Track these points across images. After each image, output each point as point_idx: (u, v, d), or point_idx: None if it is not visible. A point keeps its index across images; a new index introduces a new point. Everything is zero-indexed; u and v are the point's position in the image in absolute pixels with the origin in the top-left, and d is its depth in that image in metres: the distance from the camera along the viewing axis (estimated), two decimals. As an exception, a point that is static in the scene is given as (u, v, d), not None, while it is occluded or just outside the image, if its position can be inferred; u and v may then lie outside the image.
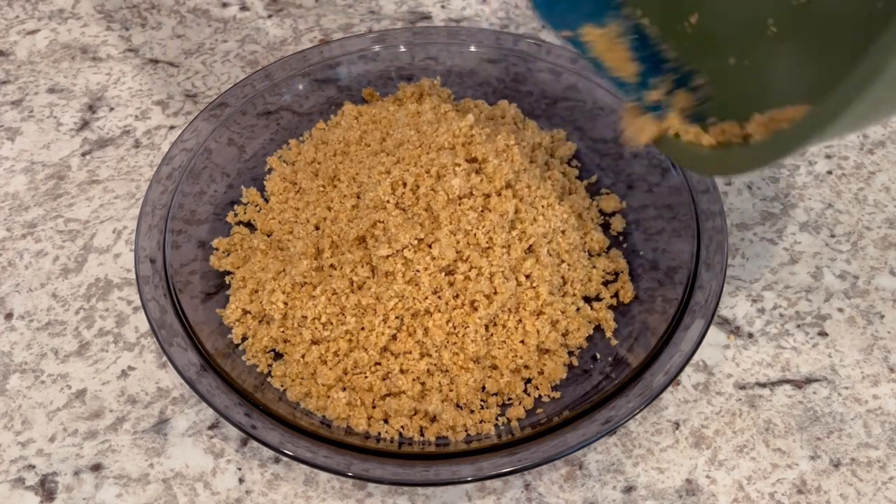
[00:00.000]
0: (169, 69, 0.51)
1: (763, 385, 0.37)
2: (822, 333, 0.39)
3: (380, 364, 0.35)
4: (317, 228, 0.39)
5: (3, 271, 0.41)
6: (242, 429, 0.32)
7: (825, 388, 0.37)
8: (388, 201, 0.36)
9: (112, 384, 0.37)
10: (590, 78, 0.44)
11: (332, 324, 0.36)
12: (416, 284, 0.35)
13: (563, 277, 0.38)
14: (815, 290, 0.41)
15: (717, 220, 0.38)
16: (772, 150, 0.26)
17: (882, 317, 0.40)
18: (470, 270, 0.35)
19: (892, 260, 0.42)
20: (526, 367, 0.36)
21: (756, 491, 0.34)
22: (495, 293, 0.35)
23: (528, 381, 0.36)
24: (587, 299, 0.39)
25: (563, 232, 0.38)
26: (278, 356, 0.37)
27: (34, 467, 0.35)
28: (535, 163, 0.41)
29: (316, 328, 0.36)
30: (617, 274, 0.40)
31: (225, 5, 0.55)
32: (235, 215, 0.42)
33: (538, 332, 0.36)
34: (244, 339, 0.37)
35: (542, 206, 0.38)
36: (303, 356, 0.36)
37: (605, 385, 0.35)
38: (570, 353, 0.37)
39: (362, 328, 0.35)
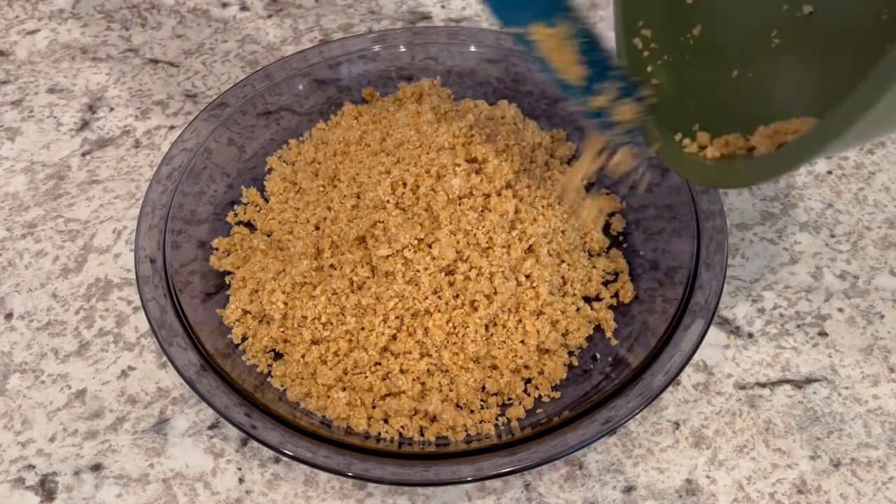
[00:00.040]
0: (169, 69, 0.51)
1: (763, 385, 0.37)
2: (822, 333, 0.39)
3: (380, 364, 0.35)
4: (317, 228, 0.39)
5: (3, 271, 0.41)
6: (242, 429, 0.32)
7: (825, 388, 0.37)
8: (388, 201, 0.36)
9: (112, 384, 0.37)
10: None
11: (332, 324, 0.36)
12: (416, 284, 0.35)
13: (563, 277, 0.38)
14: (815, 290, 0.41)
15: (717, 220, 0.38)
16: (777, 164, 0.26)
17: (882, 317, 0.40)
18: (470, 270, 0.35)
19: (892, 260, 0.42)
20: (526, 367, 0.36)
21: (756, 491, 0.34)
22: (495, 293, 0.35)
23: (528, 381, 0.36)
24: (587, 299, 0.39)
25: (563, 232, 0.38)
26: (278, 356, 0.37)
27: (34, 467, 0.35)
28: (535, 163, 0.41)
29: (316, 328, 0.36)
30: (617, 274, 0.40)
31: (225, 5, 0.55)
32: (235, 215, 0.42)
33: (538, 332, 0.36)
34: (244, 339, 0.37)
35: (542, 206, 0.38)
36: (303, 356, 0.36)
37: (605, 385, 0.35)
38: (570, 353, 0.37)
39: (362, 328, 0.35)
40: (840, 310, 0.40)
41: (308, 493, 0.34)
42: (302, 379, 0.35)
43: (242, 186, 0.42)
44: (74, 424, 0.36)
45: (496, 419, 0.35)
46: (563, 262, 0.38)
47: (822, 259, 0.42)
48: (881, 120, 0.22)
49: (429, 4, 0.55)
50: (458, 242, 0.35)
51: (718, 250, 0.37)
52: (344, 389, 0.35)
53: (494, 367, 0.36)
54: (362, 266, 0.36)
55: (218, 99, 0.43)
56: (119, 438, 0.36)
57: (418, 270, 0.35)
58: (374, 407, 0.35)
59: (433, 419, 0.35)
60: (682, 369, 0.33)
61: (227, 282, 0.39)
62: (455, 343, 0.35)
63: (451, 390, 0.35)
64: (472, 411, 0.35)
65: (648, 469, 0.35)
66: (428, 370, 0.35)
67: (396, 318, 0.35)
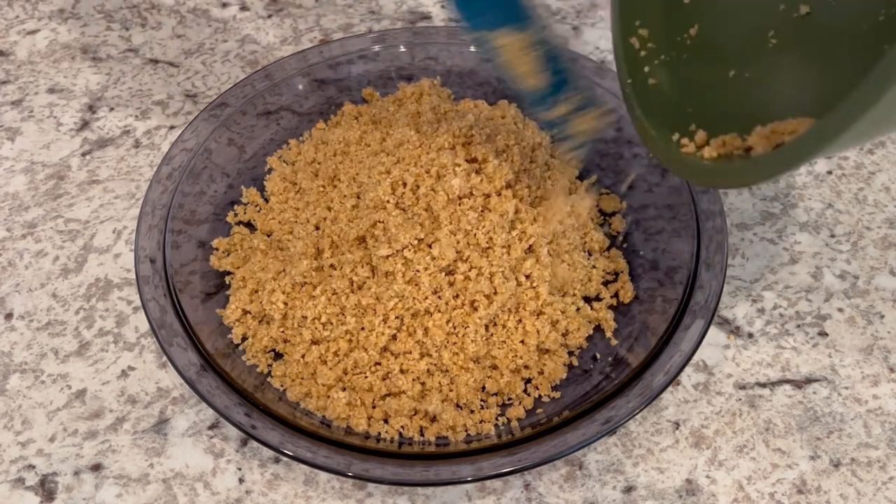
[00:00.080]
0: (169, 69, 0.51)
1: (763, 385, 0.37)
2: (822, 333, 0.39)
3: (380, 364, 0.35)
4: (317, 228, 0.39)
5: (3, 271, 0.41)
6: (242, 429, 0.32)
7: (825, 388, 0.37)
8: (388, 201, 0.36)
9: (112, 384, 0.37)
10: (590, 78, 0.44)
11: (332, 324, 0.36)
12: (416, 284, 0.35)
13: (563, 277, 0.38)
14: (815, 290, 0.41)
15: (717, 220, 0.38)
16: (775, 164, 0.26)
17: (882, 317, 0.40)
18: (470, 270, 0.35)
19: (892, 260, 0.42)
20: (526, 367, 0.36)
21: (756, 491, 0.34)
22: (495, 293, 0.35)
23: (528, 381, 0.36)
24: (587, 299, 0.39)
25: (563, 232, 0.38)
26: (278, 356, 0.37)
27: (34, 467, 0.35)
28: (535, 163, 0.41)
29: (316, 328, 0.36)
30: (617, 274, 0.40)
31: (225, 5, 0.55)
32: (235, 215, 0.42)
33: (538, 332, 0.36)
34: (244, 339, 0.37)
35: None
36: (303, 356, 0.36)
37: (605, 385, 0.35)
38: (570, 353, 0.37)
39: (362, 328, 0.35)
40: (840, 310, 0.40)
41: (308, 493, 0.34)
42: (302, 379, 0.35)
43: (242, 186, 0.42)
44: (74, 424, 0.36)
45: (496, 419, 0.35)
46: (563, 262, 0.38)
47: (822, 259, 0.42)
48: (880, 120, 0.22)
49: (429, 4, 0.55)
50: (458, 242, 0.35)
51: (718, 250, 0.37)
52: (344, 389, 0.35)
53: (494, 367, 0.36)
54: (362, 266, 0.36)
55: (218, 99, 0.43)
56: (119, 438, 0.36)
57: (418, 270, 0.35)
58: (374, 407, 0.35)
59: (433, 419, 0.35)
60: (682, 369, 0.33)
61: (227, 282, 0.39)
62: (455, 343, 0.35)
63: (451, 390, 0.35)
64: (472, 411, 0.35)
65: (648, 469, 0.35)
66: (428, 370, 0.35)
67: (396, 318, 0.35)
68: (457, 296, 0.35)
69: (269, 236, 0.41)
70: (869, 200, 0.44)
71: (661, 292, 0.38)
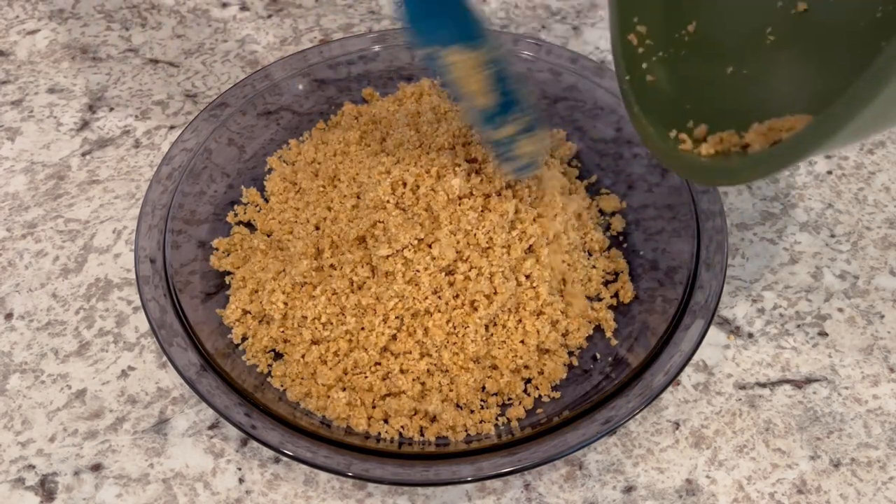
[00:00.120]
0: (169, 69, 0.51)
1: (763, 385, 0.37)
2: (822, 333, 0.39)
3: (380, 364, 0.35)
4: (317, 228, 0.39)
5: (3, 271, 0.41)
6: (242, 429, 0.32)
7: (825, 388, 0.37)
8: (388, 201, 0.36)
9: (112, 384, 0.37)
10: (590, 78, 0.44)
11: (332, 324, 0.36)
12: (416, 284, 0.35)
13: (563, 279, 0.38)
14: (815, 290, 0.41)
15: (717, 220, 0.38)
16: (772, 161, 0.26)
17: (882, 317, 0.40)
18: (470, 270, 0.35)
19: (892, 260, 0.42)
20: (526, 367, 0.36)
21: (756, 491, 0.34)
22: (495, 293, 0.35)
23: (528, 381, 0.36)
24: (587, 299, 0.39)
25: (563, 232, 0.38)
26: (278, 356, 0.37)
27: (34, 467, 0.35)
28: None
29: (316, 328, 0.36)
30: (617, 274, 0.40)
31: (225, 5, 0.55)
32: (235, 215, 0.42)
33: (538, 332, 0.36)
34: (244, 339, 0.37)
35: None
36: (303, 356, 0.36)
37: (605, 385, 0.35)
38: (570, 353, 0.37)
39: (362, 328, 0.35)
40: (840, 310, 0.40)
41: (308, 493, 0.34)
42: (302, 379, 0.35)
43: (242, 186, 0.42)
44: (74, 424, 0.36)
45: (496, 419, 0.35)
46: (563, 262, 0.38)
47: (822, 259, 0.42)
48: (877, 117, 0.22)
49: (429, 4, 0.55)
50: (458, 242, 0.35)
51: (718, 250, 0.37)
52: (344, 389, 0.35)
53: (494, 367, 0.36)
54: (362, 266, 0.36)
55: (218, 99, 0.43)
56: (119, 438, 0.36)
57: (418, 270, 0.35)
58: (374, 407, 0.35)
59: (433, 419, 0.35)
60: (682, 369, 0.33)
61: (227, 282, 0.39)
62: (455, 343, 0.35)
63: (451, 390, 0.35)
64: (472, 411, 0.35)
65: (648, 469, 0.35)
66: (428, 370, 0.35)
67: (396, 318, 0.35)
68: (457, 296, 0.35)
69: (269, 236, 0.41)
70: (869, 200, 0.44)
71: (661, 292, 0.38)
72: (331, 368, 0.35)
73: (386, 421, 0.35)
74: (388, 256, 0.35)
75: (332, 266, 0.37)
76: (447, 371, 0.35)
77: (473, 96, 0.33)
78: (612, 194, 0.43)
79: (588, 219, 0.41)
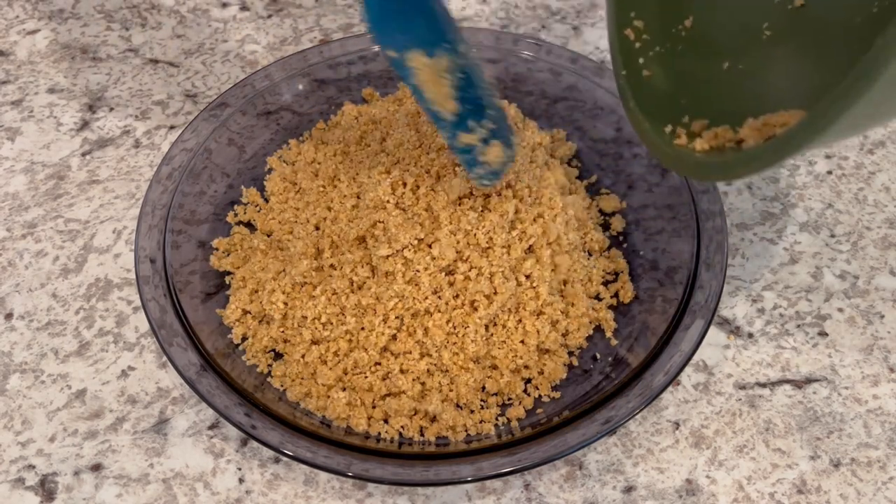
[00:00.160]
0: (169, 69, 0.51)
1: (763, 385, 0.37)
2: (822, 333, 0.39)
3: (380, 364, 0.35)
4: (317, 228, 0.39)
5: (3, 271, 0.41)
6: (242, 429, 0.32)
7: (825, 388, 0.37)
8: (388, 201, 0.36)
9: (112, 384, 0.37)
10: (590, 78, 0.45)
11: (332, 324, 0.36)
12: (416, 284, 0.35)
13: (563, 280, 0.38)
14: (815, 290, 0.41)
15: (717, 220, 0.38)
16: (766, 156, 0.26)
17: (882, 317, 0.40)
18: (470, 270, 0.35)
19: (892, 260, 0.42)
20: (526, 367, 0.36)
21: (756, 491, 0.34)
22: (495, 293, 0.35)
23: (528, 381, 0.36)
24: (588, 299, 0.39)
25: (563, 233, 0.38)
26: (278, 356, 0.37)
27: (34, 467, 0.35)
28: (535, 163, 0.41)
29: (316, 328, 0.36)
30: (617, 274, 0.40)
31: (225, 5, 0.55)
32: (235, 215, 0.42)
33: (538, 332, 0.36)
34: (244, 339, 0.37)
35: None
36: (303, 356, 0.36)
37: (605, 385, 0.35)
38: (570, 353, 0.37)
39: (362, 328, 0.35)
40: (840, 310, 0.40)
41: (308, 493, 0.34)
42: (302, 379, 0.35)
43: (242, 186, 0.42)
44: (74, 424, 0.36)
45: (496, 419, 0.35)
46: (572, 264, 0.38)
47: (822, 259, 0.42)
48: (870, 111, 0.22)
49: (429, 4, 0.55)
50: (458, 242, 0.35)
51: (718, 250, 0.37)
52: (344, 389, 0.35)
53: (494, 367, 0.36)
54: (362, 266, 0.36)
55: (218, 99, 0.43)
56: (119, 438, 0.36)
57: (418, 270, 0.35)
58: (374, 407, 0.35)
59: (433, 419, 0.35)
60: (682, 369, 0.33)
61: (227, 282, 0.39)
62: (455, 343, 0.35)
63: (451, 390, 0.35)
64: (472, 411, 0.35)
65: (648, 469, 0.35)
66: (428, 370, 0.35)
67: (396, 318, 0.35)
68: (457, 296, 0.35)
69: (269, 236, 0.41)
70: (869, 200, 0.44)
71: (661, 292, 0.38)
72: (331, 368, 0.35)
73: (386, 421, 0.35)
74: (388, 256, 0.35)
75: (332, 266, 0.37)
76: (447, 371, 0.35)
77: (438, 102, 0.32)
78: (612, 194, 0.43)
79: (588, 219, 0.41)
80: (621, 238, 0.41)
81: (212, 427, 0.36)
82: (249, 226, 0.41)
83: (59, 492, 0.34)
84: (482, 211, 0.36)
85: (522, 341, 0.36)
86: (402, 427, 0.34)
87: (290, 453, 0.31)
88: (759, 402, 0.37)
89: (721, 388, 0.37)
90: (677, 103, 0.34)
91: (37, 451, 0.35)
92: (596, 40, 0.52)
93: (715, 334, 0.39)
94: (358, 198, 0.38)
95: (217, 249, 0.40)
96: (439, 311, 0.35)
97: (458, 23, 0.53)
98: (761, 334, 0.39)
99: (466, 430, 0.34)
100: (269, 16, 0.54)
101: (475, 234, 0.35)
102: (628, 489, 0.34)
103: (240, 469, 0.35)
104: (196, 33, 0.53)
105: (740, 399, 0.37)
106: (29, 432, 0.36)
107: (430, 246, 0.35)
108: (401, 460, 0.32)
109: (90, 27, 0.54)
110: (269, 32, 0.53)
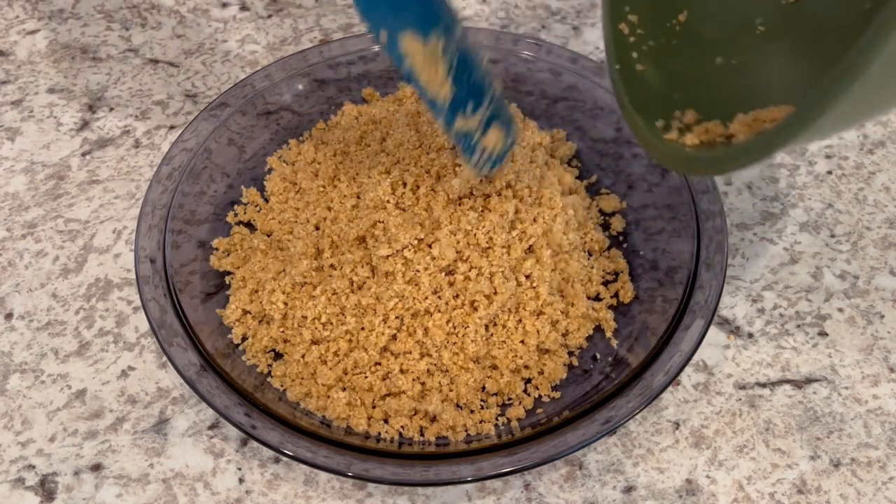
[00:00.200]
0: (169, 69, 0.51)
1: (763, 385, 0.37)
2: (822, 333, 0.39)
3: (380, 364, 0.35)
4: (317, 228, 0.39)
5: (3, 271, 0.41)
6: (242, 429, 0.32)
7: (825, 388, 0.37)
8: (388, 201, 0.36)
9: (112, 384, 0.37)
10: (590, 78, 0.45)
11: (332, 324, 0.36)
12: (416, 284, 0.35)
13: (563, 279, 0.38)
14: (815, 290, 0.41)
15: (717, 220, 0.38)
16: (756, 150, 0.26)
17: (882, 317, 0.40)
18: (470, 270, 0.35)
19: (892, 260, 0.42)
20: (526, 367, 0.36)
21: (756, 491, 0.34)
22: (495, 293, 0.35)
23: (528, 381, 0.36)
24: (588, 299, 0.39)
25: (563, 232, 0.38)
26: (278, 356, 0.37)
27: (34, 467, 0.35)
28: (535, 163, 0.41)
29: (316, 328, 0.36)
30: (617, 274, 0.40)
31: (225, 5, 0.55)
32: (235, 215, 0.42)
33: (538, 332, 0.36)
34: (244, 339, 0.37)
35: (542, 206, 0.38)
36: (303, 356, 0.36)
37: (605, 385, 0.35)
38: (570, 353, 0.37)
39: (362, 328, 0.35)
40: (840, 310, 0.40)
41: (308, 493, 0.34)
42: (302, 379, 0.35)
43: (242, 186, 0.42)
44: (74, 424, 0.36)
45: (496, 419, 0.35)
46: (580, 267, 0.38)
47: (822, 259, 0.42)
48: (858, 104, 0.21)
49: (429, 4, 0.55)
50: (458, 242, 0.35)
51: (718, 250, 0.37)
52: (344, 389, 0.35)
53: (494, 367, 0.36)
54: (362, 266, 0.36)
55: (218, 99, 0.43)
56: (119, 438, 0.36)
57: (418, 270, 0.35)
58: (374, 407, 0.35)
59: (433, 419, 0.35)
60: (682, 369, 0.33)
61: (227, 282, 0.39)
62: (455, 343, 0.35)
63: (451, 390, 0.35)
64: (472, 411, 0.35)
65: (648, 469, 0.35)
66: (428, 370, 0.35)
67: (396, 318, 0.35)
68: (457, 296, 0.35)
69: (269, 236, 0.41)
70: (869, 200, 0.44)
71: (661, 292, 0.38)
72: (331, 368, 0.35)
73: (386, 421, 0.35)
74: (388, 256, 0.35)
75: (332, 266, 0.37)
76: (447, 371, 0.35)
77: (432, 87, 0.30)
78: (612, 194, 0.43)
79: (588, 219, 0.41)
80: (621, 238, 0.41)
81: (212, 427, 0.36)
82: (249, 226, 0.41)
83: (59, 492, 0.34)
84: (482, 211, 0.36)
85: (522, 341, 0.36)
86: (402, 427, 0.34)
87: (290, 453, 0.31)
88: (759, 402, 0.37)
89: (721, 388, 0.37)
90: (670, 98, 0.34)
91: (37, 451, 0.35)
92: (596, 40, 0.52)
93: (715, 334, 0.39)
94: (358, 198, 0.38)
95: (217, 249, 0.40)
96: (439, 311, 0.35)
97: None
98: (761, 334, 0.39)
99: (466, 430, 0.34)
100: (269, 16, 0.54)
101: (475, 234, 0.35)
102: (628, 489, 0.34)
103: (240, 469, 0.35)
104: (196, 33, 0.53)
105: (740, 399, 0.37)
106: (29, 432, 0.36)
107: (430, 246, 0.35)
108: (401, 460, 0.32)
109: (90, 27, 0.54)
110: (269, 32, 0.53)
